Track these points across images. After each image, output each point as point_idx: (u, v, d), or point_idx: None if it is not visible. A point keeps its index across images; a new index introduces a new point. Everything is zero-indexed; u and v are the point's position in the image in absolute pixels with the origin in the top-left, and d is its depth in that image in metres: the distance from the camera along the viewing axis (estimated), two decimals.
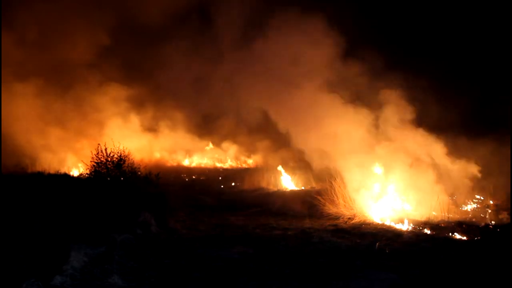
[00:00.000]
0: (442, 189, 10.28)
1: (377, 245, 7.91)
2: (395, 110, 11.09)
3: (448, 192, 10.45)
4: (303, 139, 12.32)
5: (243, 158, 24.13)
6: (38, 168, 15.14)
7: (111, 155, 10.82)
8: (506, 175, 10.33)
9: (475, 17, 17.01)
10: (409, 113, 11.01)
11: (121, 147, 11.01)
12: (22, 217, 7.49)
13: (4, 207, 7.72)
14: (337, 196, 10.79)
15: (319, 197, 10.98)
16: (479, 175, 10.55)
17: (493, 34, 16.66)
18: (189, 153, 24.21)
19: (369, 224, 9.77)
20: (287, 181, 15.68)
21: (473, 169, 10.54)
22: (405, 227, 9.42)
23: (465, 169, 10.58)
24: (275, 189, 15.22)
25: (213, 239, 8.48)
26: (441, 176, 10.48)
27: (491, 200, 11.01)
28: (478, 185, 10.89)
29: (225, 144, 24.34)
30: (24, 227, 7.03)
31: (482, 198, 11.06)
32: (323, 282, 6.03)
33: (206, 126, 24.71)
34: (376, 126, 11.30)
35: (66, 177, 12.68)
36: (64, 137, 18.38)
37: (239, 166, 23.12)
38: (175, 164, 22.89)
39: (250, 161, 23.75)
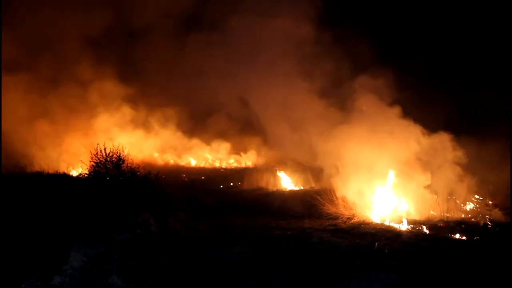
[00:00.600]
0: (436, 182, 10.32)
1: (376, 245, 7.92)
2: (373, 96, 11.18)
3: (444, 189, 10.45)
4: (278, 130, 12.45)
5: (235, 157, 24.05)
6: (37, 167, 15.15)
7: (110, 155, 10.83)
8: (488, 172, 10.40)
9: (461, 17, 17.11)
10: (387, 97, 11.10)
11: (120, 147, 11.03)
12: (22, 217, 7.48)
13: (4, 207, 7.71)
14: (336, 196, 10.79)
15: (318, 197, 10.98)
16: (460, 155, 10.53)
17: (480, 34, 16.74)
18: (177, 151, 24.09)
19: (368, 224, 9.77)
20: (286, 181, 15.68)
21: (457, 153, 10.56)
22: (404, 227, 9.43)
23: (441, 142, 10.61)
24: (274, 189, 15.20)
25: (212, 239, 8.48)
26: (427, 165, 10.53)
27: (490, 199, 11.03)
28: (476, 185, 10.94)
29: (217, 143, 24.22)
30: (24, 227, 7.02)
31: (481, 198, 11.08)
32: (323, 282, 6.04)
33: (197, 125, 24.69)
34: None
35: (65, 177, 12.69)
36: (58, 135, 18.36)
37: (238, 166, 23.09)
38: (162, 163, 22.66)
39: (243, 160, 23.66)
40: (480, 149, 11.35)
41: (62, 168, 16.35)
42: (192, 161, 23.84)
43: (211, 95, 17.30)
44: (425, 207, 10.27)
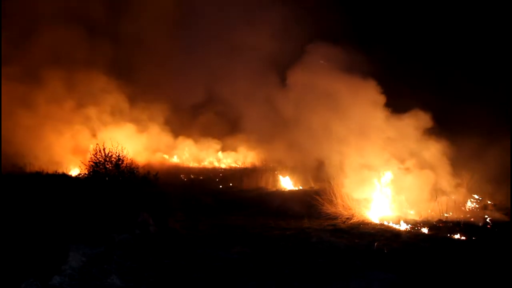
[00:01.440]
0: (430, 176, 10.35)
1: (375, 245, 7.92)
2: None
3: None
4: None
5: (225, 154, 23.97)
6: (36, 167, 15.09)
7: (109, 155, 10.82)
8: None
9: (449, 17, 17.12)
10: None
11: (119, 148, 11.03)
12: (22, 217, 7.47)
13: (4, 207, 7.71)
14: (335, 196, 10.80)
15: (317, 197, 10.98)
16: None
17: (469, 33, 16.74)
18: (166, 149, 23.94)
19: (367, 224, 9.78)
20: (286, 181, 15.69)
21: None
22: (403, 227, 9.44)
23: (416, 122, 10.69)
24: (274, 189, 15.23)
25: (212, 239, 8.47)
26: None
27: (489, 200, 11.05)
28: (475, 185, 10.95)
29: (207, 141, 24.14)
30: (23, 227, 7.01)
31: (480, 198, 11.09)
32: (323, 282, 6.04)
33: (186, 123, 24.62)
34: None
35: (65, 177, 12.69)
36: (50, 133, 18.24)
37: (238, 166, 23.08)
38: (147, 161, 22.31)
39: (240, 159, 23.60)
40: (456, 144, 11.36)
41: (61, 168, 16.30)
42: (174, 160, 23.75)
43: (195, 91, 17.40)
44: (424, 207, 10.28)
